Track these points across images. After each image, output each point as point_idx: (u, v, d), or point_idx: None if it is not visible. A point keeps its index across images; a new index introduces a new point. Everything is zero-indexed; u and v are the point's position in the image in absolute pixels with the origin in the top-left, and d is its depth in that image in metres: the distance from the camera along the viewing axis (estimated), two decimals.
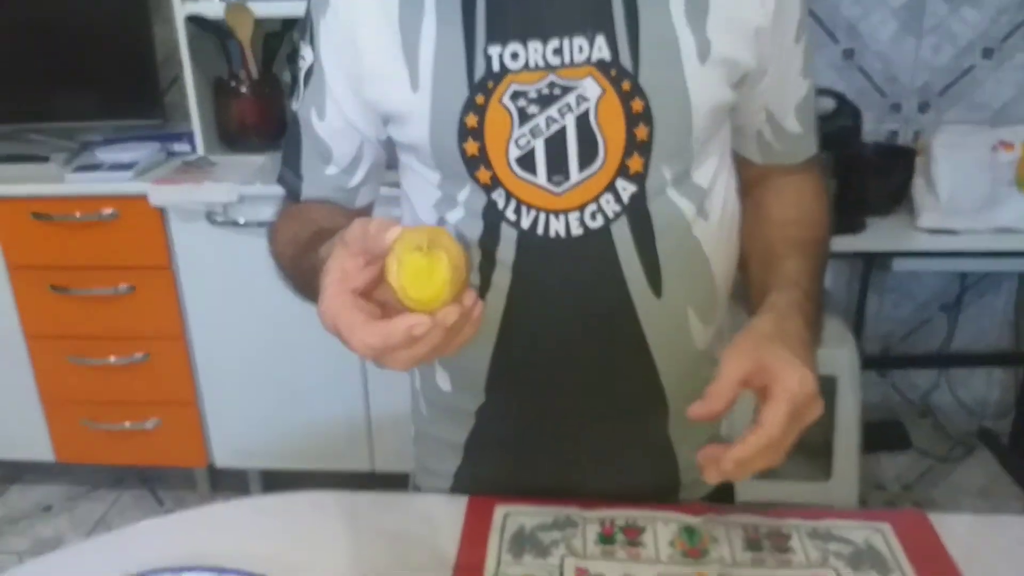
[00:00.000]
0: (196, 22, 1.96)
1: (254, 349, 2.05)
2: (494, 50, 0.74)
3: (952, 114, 2.19)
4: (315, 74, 0.83)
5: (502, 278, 0.79)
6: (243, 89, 2.06)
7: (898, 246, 1.96)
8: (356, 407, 2.08)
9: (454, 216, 0.81)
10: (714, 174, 0.81)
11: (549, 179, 0.76)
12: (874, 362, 2.45)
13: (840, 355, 2.00)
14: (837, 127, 1.93)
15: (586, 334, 0.80)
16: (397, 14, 0.76)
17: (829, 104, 1.95)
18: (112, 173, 1.96)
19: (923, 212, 1.96)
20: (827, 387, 2.12)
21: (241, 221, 1.91)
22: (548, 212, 0.77)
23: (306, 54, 0.83)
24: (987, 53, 2.14)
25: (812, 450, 2.13)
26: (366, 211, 0.93)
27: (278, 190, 0.93)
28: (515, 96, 0.74)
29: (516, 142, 0.75)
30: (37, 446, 2.23)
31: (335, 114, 0.83)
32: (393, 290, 0.59)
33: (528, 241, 0.78)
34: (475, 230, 0.79)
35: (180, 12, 1.94)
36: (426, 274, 0.58)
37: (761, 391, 0.67)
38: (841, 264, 2.26)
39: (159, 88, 2.19)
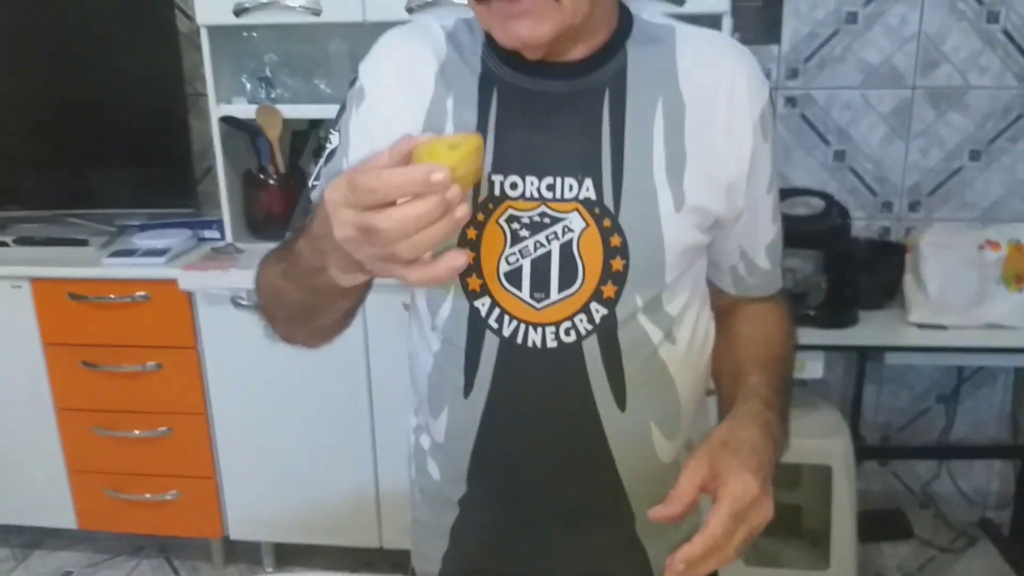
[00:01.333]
0: (229, 121, 2.12)
1: (271, 426, 2.15)
2: (497, 178, 0.86)
3: (943, 212, 2.28)
4: (337, 155, 0.92)
5: (484, 380, 0.89)
6: (271, 181, 2.21)
7: (890, 340, 2.03)
8: (366, 485, 2.16)
9: (442, 317, 0.91)
10: (684, 304, 0.91)
11: (531, 295, 0.86)
12: (874, 452, 2.49)
13: (834, 445, 2.06)
14: (827, 226, 2.03)
15: (555, 438, 0.89)
16: (422, 127, 0.87)
17: (819, 204, 2.05)
18: (146, 259, 2.10)
19: (913, 308, 2.04)
20: (822, 476, 2.15)
21: None
22: (528, 323, 0.87)
23: (333, 139, 0.93)
24: (974, 155, 2.24)
25: (811, 539, 2.17)
26: None
27: None
28: (510, 219, 0.86)
29: (507, 258, 0.86)
30: (60, 513, 2.32)
31: None
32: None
33: (508, 348, 0.87)
34: (461, 337, 0.89)
35: (215, 113, 2.10)
36: (446, 155, 0.66)
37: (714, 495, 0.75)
38: (837, 355, 2.32)
39: (193, 178, 2.35)
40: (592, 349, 0.87)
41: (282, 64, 2.17)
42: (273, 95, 2.14)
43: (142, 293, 2.09)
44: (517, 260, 0.86)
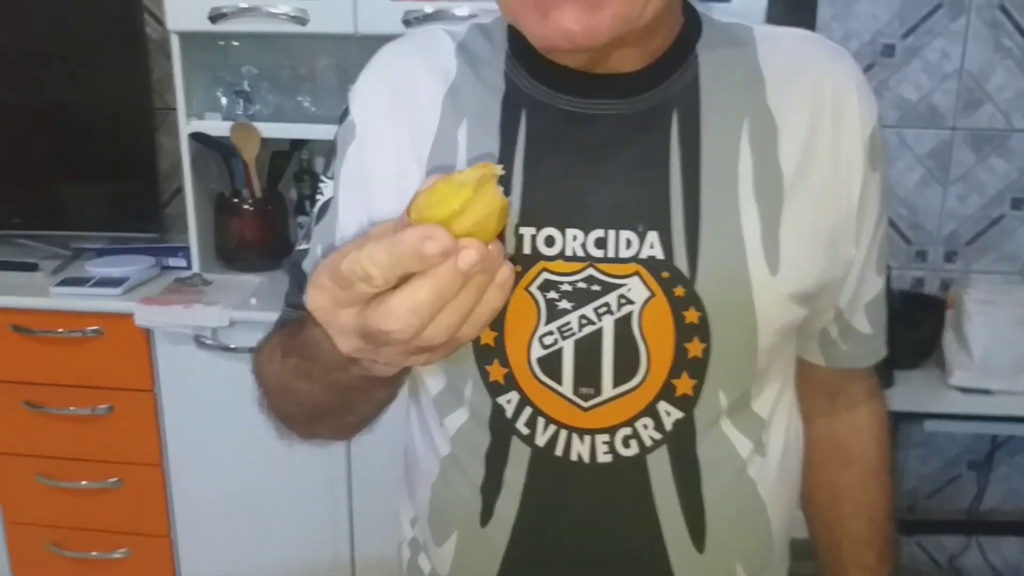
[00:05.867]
0: (200, 139, 1.91)
1: (234, 481, 1.93)
2: (526, 231, 0.64)
3: (980, 264, 2.11)
4: (330, 210, 0.72)
5: (508, 506, 0.67)
6: (245, 207, 1.99)
7: (931, 406, 1.84)
8: (340, 549, 1.94)
9: (456, 421, 0.69)
10: (776, 400, 0.70)
11: (576, 390, 0.65)
12: (899, 524, 2.29)
13: None
14: None
15: None
16: (426, 167, 0.67)
17: None
18: (99, 289, 1.87)
19: (955, 370, 1.85)
20: None
21: (231, 346, 1.81)
22: (571, 430, 0.65)
23: (325, 189, 0.73)
24: (1016, 204, 2.07)
25: None
26: None
27: (273, 315, 0.79)
28: (545, 286, 0.64)
29: (540, 339, 0.64)
30: None
31: None
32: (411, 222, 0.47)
33: (543, 463, 0.66)
34: (482, 443, 0.68)
35: (185, 129, 1.90)
36: (448, 197, 0.47)
37: None
38: None
39: (159, 200, 2.14)
40: (661, 467, 0.65)
41: (262, 78, 1.98)
42: (251, 112, 1.95)
43: (94, 328, 1.86)
44: (555, 342, 0.64)
